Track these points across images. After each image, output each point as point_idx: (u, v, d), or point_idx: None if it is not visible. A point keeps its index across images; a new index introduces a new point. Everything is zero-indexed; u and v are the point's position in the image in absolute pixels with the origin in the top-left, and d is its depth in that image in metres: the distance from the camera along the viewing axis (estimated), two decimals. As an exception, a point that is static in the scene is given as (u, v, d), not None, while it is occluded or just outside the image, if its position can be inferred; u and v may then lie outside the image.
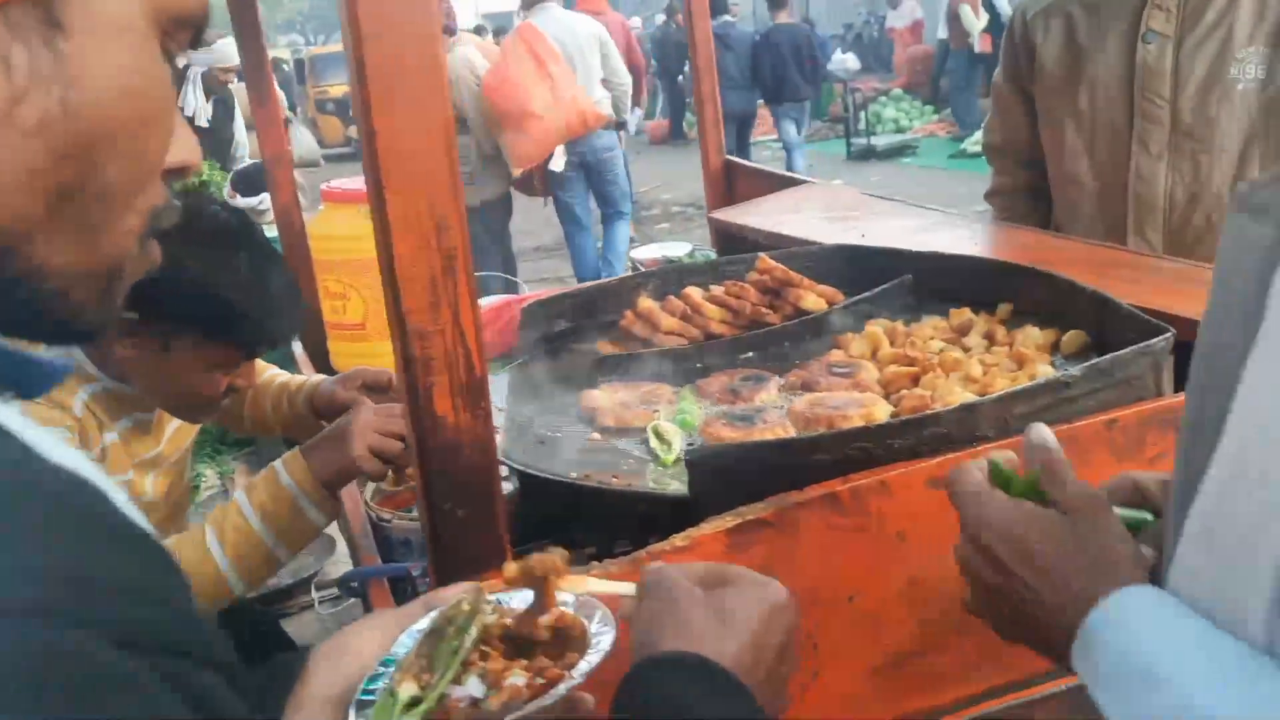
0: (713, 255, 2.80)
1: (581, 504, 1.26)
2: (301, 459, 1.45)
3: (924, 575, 1.13)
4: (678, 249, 2.91)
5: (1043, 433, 0.91)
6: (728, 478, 1.11)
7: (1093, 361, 1.20)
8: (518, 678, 0.72)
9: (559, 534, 1.40)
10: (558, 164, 5.67)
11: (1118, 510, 0.85)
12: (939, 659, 1.16)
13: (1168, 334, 1.24)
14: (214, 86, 6.48)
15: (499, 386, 1.62)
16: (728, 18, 10.13)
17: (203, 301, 1.42)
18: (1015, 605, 0.80)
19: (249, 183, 5.69)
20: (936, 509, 1.13)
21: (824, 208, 2.49)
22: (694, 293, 1.81)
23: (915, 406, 1.42)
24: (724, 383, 1.60)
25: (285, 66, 17.30)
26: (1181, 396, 1.24)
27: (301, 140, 15.50)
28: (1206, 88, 1.94)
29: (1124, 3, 2.03)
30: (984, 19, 11.85)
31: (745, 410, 1.47)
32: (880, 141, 12.41)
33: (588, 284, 1.93)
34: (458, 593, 0.82)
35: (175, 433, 1.67)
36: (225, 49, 6.12)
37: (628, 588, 0.80)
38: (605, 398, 1.58)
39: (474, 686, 0.72)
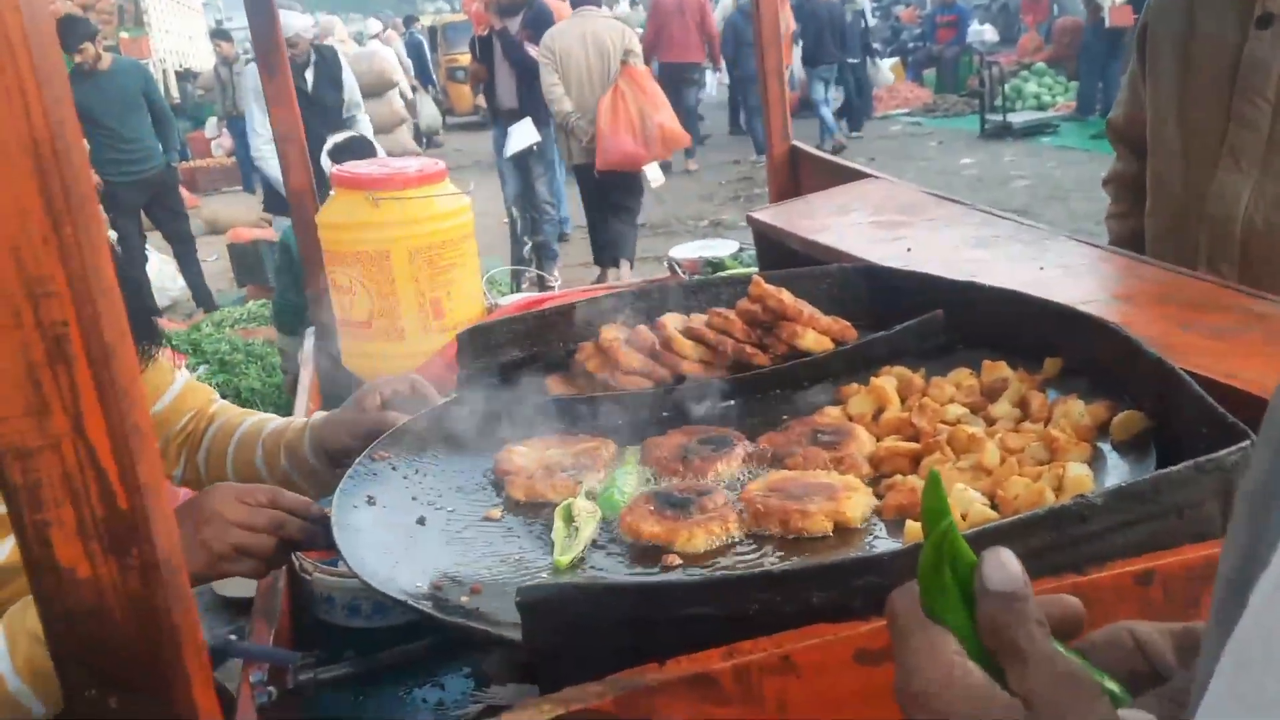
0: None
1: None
2: None
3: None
4: (722, 248, 2.56)
5: (1004, 566, 0.55)
6: (570, 630, 0.79)
7: (1122, 484, 0.83)
8: None
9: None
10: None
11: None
12: None
13: (1244, 443, 0.85)
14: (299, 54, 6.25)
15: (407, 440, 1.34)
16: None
17: None
18: None
19: (345, 158, 5.59)
20: (870, 695, 0.79)
21: (876, 209, 2.11)
22: (670, 323, 1.48)
23: (902, 505, 1.06)
24: (678, 444, 1.27)
25: (418, 34, 17.43)
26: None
27: (424, 110, 15.65)
28: None
29: None
30: (1124, -11, 10.98)
31: (685, 491, 1.14)
32: (1017, 119, 11.59)
33: (551, 305, 1.62)
34: None
35: None
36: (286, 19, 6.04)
37: None
38: (527, 458, 1.27)
39: None
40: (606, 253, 6.44)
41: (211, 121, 13.26)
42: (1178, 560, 0.82)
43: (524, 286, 5.85)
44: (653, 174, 6.11)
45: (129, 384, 0.63)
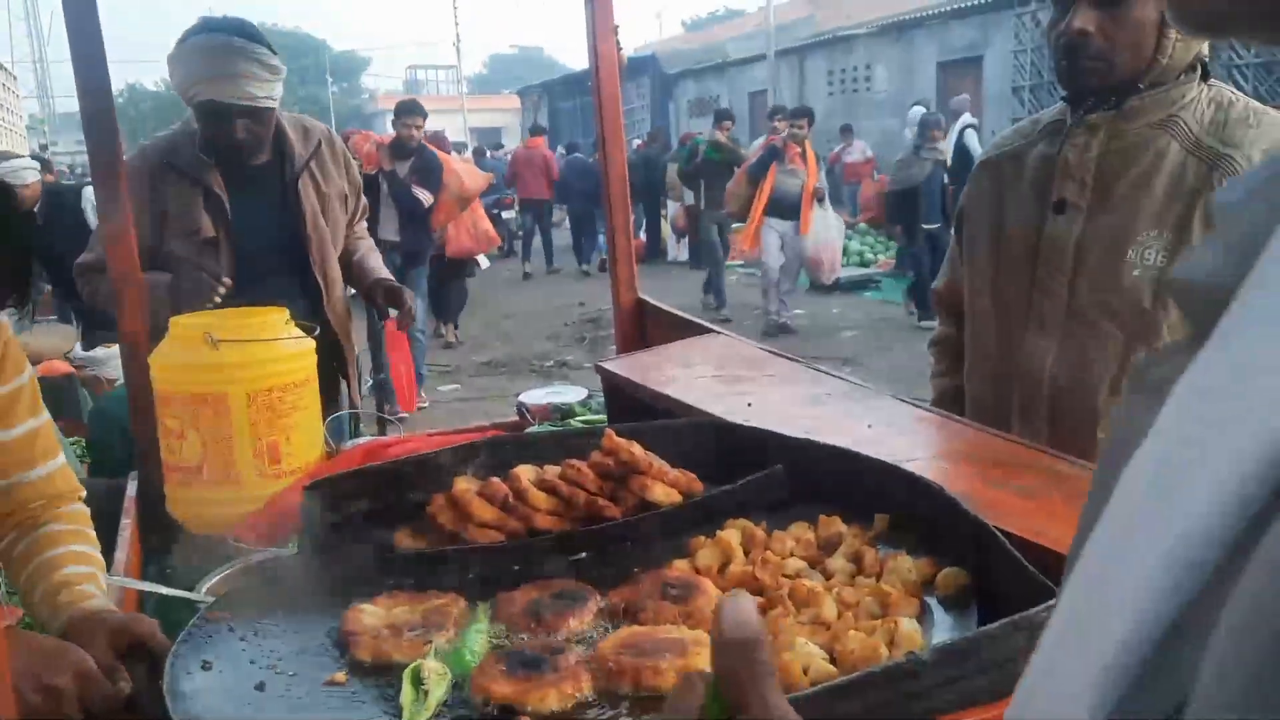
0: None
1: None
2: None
3: None
4: (571, 394, 2.61)
5: (742, 612, 0.52)
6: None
7: (946, 642, 0.90)
8: None
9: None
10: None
11: None
12: None
13: (1051, 601, 0.94)
14: None
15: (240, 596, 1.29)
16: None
17: None
18: None
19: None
20: None
21: (719, 363, 2.21)
22: (524, 474, 1.50)
23: (747, 659, 1.10)
24: (531, 599, 1.28)
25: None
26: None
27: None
28: (1104, 268, 1.73)
29: (1039, 167, 1.83)
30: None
31: (536, 650, 1.14)
32: (844, 274, 12.35)
33: (400, 456, 1.62)
34: None
35: None
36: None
37: None
38: (375, 616, 1.25)
39: None
40: (447, 315, 9.46)
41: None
42: (994, 715, 0.88)
43: (361, 429, 5.75)
44: (483, 261, 9.18)
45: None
